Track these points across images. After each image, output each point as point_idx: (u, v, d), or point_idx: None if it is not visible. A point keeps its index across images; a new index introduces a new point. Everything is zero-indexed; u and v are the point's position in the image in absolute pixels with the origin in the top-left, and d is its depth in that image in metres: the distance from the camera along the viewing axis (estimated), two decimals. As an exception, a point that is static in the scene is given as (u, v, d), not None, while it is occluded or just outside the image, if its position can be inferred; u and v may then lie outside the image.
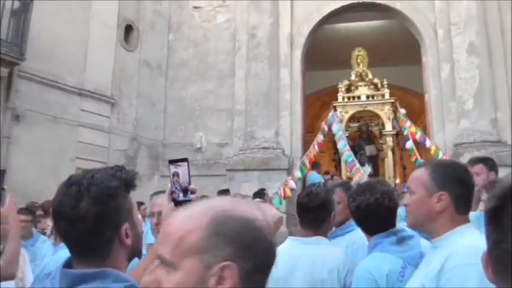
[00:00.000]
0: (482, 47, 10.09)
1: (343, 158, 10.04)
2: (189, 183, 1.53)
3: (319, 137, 10.40)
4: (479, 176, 3.67)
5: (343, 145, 9.92)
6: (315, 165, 10.66)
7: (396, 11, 11.13)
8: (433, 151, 9.30)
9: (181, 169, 1.54)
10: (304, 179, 10.34)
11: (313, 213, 2.40)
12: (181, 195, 1.54)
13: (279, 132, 10.91)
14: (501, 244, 0.71)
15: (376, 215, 2.17)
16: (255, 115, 10.84)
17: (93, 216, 1.18)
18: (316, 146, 10.23)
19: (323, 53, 13.42)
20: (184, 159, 1.56)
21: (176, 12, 12.38)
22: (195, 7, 12.29)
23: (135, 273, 1.47)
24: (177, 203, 1.53)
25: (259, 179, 10.17)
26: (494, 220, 0.74)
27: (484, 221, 0.77)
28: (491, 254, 0.75)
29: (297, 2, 11.57)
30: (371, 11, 11.68)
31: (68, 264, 1.24)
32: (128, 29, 11.18)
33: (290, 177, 9.68)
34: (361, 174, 8.91)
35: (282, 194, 9.40)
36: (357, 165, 9.40)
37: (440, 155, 9.04)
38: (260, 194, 8.56)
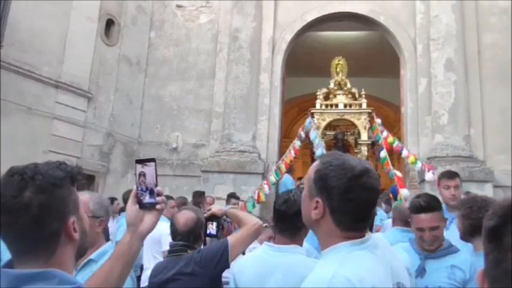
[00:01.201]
0: (459, 64, 10.32)
1: None
2: (156, 185, 1.46)
3: (296, 143, 10.37)
4: (458, 189, 3.90)
5: (320, 153, 9.91)
6: (288, 169, 10.69)
7: (379, 24, 11.30)
8: (411, 160, 9.32)
9: (148, 169, 1.46)
10: (277, 183, 10.38)
11: (290, 220, 2.37)
12: (147, 197, 1.46)
13: (256, 136, 10.92)
14: (501, 263, 0.71)
15: None
16: (233, 118, 10.82)
17: (38, 205, 1.10)
18: (292, 152, 10.21)
19: (303, 60, 13.52)
20: (152, 159, 1.48)
21: (159, 9, 12.27)
22: (179, 6, 12.22)
23: (95, 280, 1.39)
24: (142, 206, 1.46)
25: (234, 182, 10.16)
26: (494, 239, 0.73)
27: (482, 239, 0.77)
28: (490, 272, 0.74)
29: (281, 8, 11.62)
30: (354, 22, 11.81)
31: (10, 264, 1.14)
32: (109, 23, 11.02)
33: (265, 182, 9.65)
34: None
35: (257, 198, 9.36)
36: None
37: (419, 165, 9.11)
38: (234, 196, 8.57)
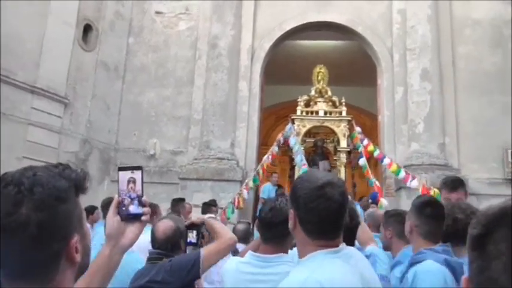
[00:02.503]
0: (435, 74, 10.53)
1: (299, 173, 9.86)
2: (142, 195, 1.34)
3: (274, 149, 10.34)
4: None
5: (300, 159, 9.85)
6: (272, 176, 10.81)
7: (356, 34, 11.46)
8: (393, 169, 9.29)
9: (137, 175, 1.36)
10: (257, 190, 10.38)
11: (276, 229, 2.37)
12: (130, 208, 1.34)
13: (234, 143, 10.92)
14: (485, 271, 0.72)
15: None
16: (212, 125, 10.80)
17: (37, 224, 0.92)
18: (270, 157, 10.17)
19: (282, 68, 13.59)
20: (138, 167, 1.37)
21: (138, 15, 12.21)
22: (158, 12, 12.17)
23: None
24: (125, 217, 1.34)
25: (212, 189, 10.12)
26: (478, 247, 0.75)
27: (467, 247, 0.79)
28: (474, 279, 0.76)
29: (260, 16, 11.69)
30: (333, 31, 11.96)
31: None
32: (87, 29, 10.90)
33: (245, 187, 9.57)
34: None
35: (236, 204, 9.28)
36: None
37: (402, 173, 9.05)
38: (210, 205, 8.51)
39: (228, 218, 8.72)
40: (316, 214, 1.48)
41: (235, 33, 11.31)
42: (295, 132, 10.68)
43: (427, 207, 2.50)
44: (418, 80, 10.49)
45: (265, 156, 10.17)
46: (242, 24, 11.49)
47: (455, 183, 3.48)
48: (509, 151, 10.21)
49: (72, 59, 10.32)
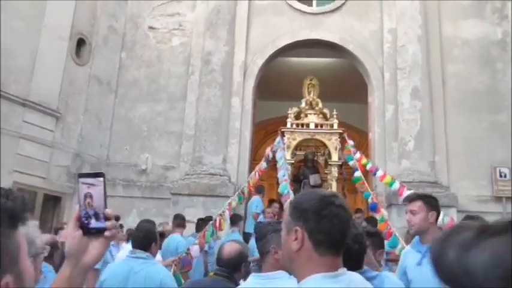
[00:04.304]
0: (425, 92, 10.69)
1: (279, 188, 9.46)
2: (105, 207, 1.20)
3: (263, 164, 10.01)
4: (416, 215, 3.27)
5: (282, 175, 9.50)
6: (258, 189, 10.46)
7: (348, 52, 11.61)
8: (387, 181, 9.07)
9: (96, 189, 1.20)
10: (246, 203, 10.19)
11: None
12: (92, 221, 1.20)
13: (226, 159, 10.93)
14: None
15: (345, 258, 2.08)
16: (204, 141, 10.81)
17: None
18: (257, 174, 9.77)
19: (273, 84, 13.68)
20: (100, 174, 1.22)
21: (131, 30, 12.25)
22: (151, 27, 12.23)
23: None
24: (87, 231, 1.20)
25: (204, 205, 10.09)
26: None
27: None
28: None
29: (253, 33, 11.81)
30: (324, 49, 12.10)
31: None
32: (80, 43, 10.92)
33: (227, 207, 8.80)
34: None
35: (217, 226, 8.33)
36: (291, 198, 8.38)
37: (396, 185, 8.83)
38: (207, 221, 8.38)
39: (207, 242, 7.89)
40: (329, 220, 1.45)
41: (228, 49, 11.40)
42: (283, 146, 10.41)
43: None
44: (408, 99, 10.64)
45: (252, 173, 9.89)
46: (235, 41, 11.60)
47: (411, 196, 3.49)
48: (498, 169, 10.36)
49: (65, 72, 10.31)
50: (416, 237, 3.33)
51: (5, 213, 0.84)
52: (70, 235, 1.19)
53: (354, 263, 2.19)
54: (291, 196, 8.73)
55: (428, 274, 2.77)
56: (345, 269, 1.50)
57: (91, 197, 1.19)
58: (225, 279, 3.04)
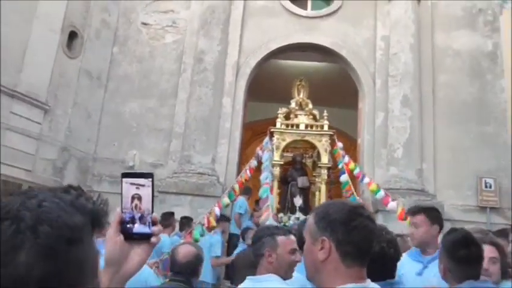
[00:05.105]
0: (415, 101, 10.78)
1: (260, 191, 9.30)
2: (152, 210, 1.09)
3: (253, 162, 10.02)
4: (419, 228, 3.26)
5: (264, 177, 9.37)
6: (245, 190, 10.41)
7: (340, 57, 11.67)
8: (372, 188, 9.09)
9: (145, 191, 1.09)
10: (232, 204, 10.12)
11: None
12: (135, 225, 1.08)
13: (215, 159, 10.89)
14: None
15: (379, 263, 2.00)
16: (194, 139, 10.76)
17: (39, 277, 0.67)
18: (248, 171, 9.77)
19: (263, 85, 13.66)
20: (149, 175, 1.11)
21: (124, 25, 12.14)
22: (144, 23, 12.14)
23: None
24: (130, 237, 1.08)
25: (191, 204, 10.05)
26: None
27: None
28: None
29: (247, 34, 11.79)
30: (317, 53, 12.14)
31: None
32: (72, 35, 10.77)
33: (216, 204, 8.94)
34: (269, 213, 8.35)
35: (206, 224, 8.35)
36: (269, 202, 8.76)
37: (381, 193, 8.84)
38: (190, 219, 8.38)
39: (196, 241, 7.54)
40: (359, 232, 1.45)
41: (221, 48, 11.36)
42: (270, 148, 10.24)
43: (460, 248, 2.21)
44: (398, 106, 10.71)
45: (243, 171, 9.89)
46: (229, 41, 11.57)
47: (414, 209, 3.44)
48: (483, 179, 10.49)
49: (55, 65, 10.16)
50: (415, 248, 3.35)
51: (88, 219, 0.76)
52: (111, 240, 1.07)
53: (387, 270, 2.19)
54: (270, 200, 8.81)
55: (428, 284, 2.77)
56: (369, 280, 1.51)
57: (139, 199, 1.08)
58: (181, 284, 2.94)
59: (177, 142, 11.15)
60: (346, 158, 9.81)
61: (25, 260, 0.66)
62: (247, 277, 2.62)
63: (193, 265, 2.96)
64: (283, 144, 10.99)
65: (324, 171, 10.70)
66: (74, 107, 10.74)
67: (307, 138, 11.03)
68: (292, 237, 2.64)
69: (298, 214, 9.70)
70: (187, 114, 11.11)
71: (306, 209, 10.28)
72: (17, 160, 9.20)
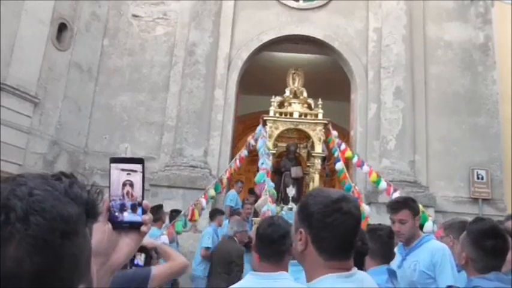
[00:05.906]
0: (407, 92, 10.78)
1: (256, 176, 9.10)
2: (142, 197, 1.02)
3: (243, 152, 9.79)
4: (406, 224, 3.22)
5: (261, 163, 9.15)
6: (236, 183, 10.40)
7: (333, 49, 11.63)
8: (373, 178, 8.94)
9: (137, 177, 1.02)
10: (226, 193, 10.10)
11: (276, 245, 2.35)
12: (125, 214, 1.00)
13: (208, 152, 10.84)
14: None
15: None
16: (186, 132, 10.70)
17: (30, 274, 0.61)
18: (238, 161, 9.57)
19: (255, 78, 13.59)
20: (139, 160, 1.04)
21: (114, 17, 12.00)
22: (135, 15, 12.00)
23: None
24: (118, 225, 1.00)
25: (183, 197, 9.97)
26: None
27: None
28: None
29: (238, 26, 11.71)
30: (309, 45, 12.08)
31: None
32: (62, 28, 10.62)
33: (203, 196, 8.68)
34: (265, 198, 8.15)
35: (190, 216, 8.14)
36: (266, 188, 8.51)
37: (383, 184, 8.70)
38: (178, 211, 8.31)
39: (178, 233, 7.68)
40: (333, 229, 1.39)
41: (213, 41, 11.28)
42: (265, 135, 9.95)
43: (487, 239, 2.15)
44: (391, 98, 10.71)
45: (233, 160, 9.67)
46: (220, 33, 11.48)
47: (393, 205, 3.41)
48: (475, 171, 10.53)
49: (45, 57, 10.03)
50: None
51: (82, 208, 0.70)
52: (98, 229, 0.95)
53: (355, 263, 2.14)
54: (267, 185, 8.60)
55: (408, 276, 2.75)
56: (355, 268, 1.48)
57: (131, 185, 1.01)
58: None
59: (169, 135, 11.07)
60: (343, 146, 9.60)
61: (16, 254, 0.61)
62: (250, 273, 2.50)
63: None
64: (277, 132, 10.58)
65: (318, 161, 10.43)
66: (64, 100, 10.62)
67: (300, 127, 10.59)
68: None
69: (291, 204, 9.64)
70: (178, 107, 11.03)
71: (299, 199, 10.15)
72: (7, 154, 9.08)
